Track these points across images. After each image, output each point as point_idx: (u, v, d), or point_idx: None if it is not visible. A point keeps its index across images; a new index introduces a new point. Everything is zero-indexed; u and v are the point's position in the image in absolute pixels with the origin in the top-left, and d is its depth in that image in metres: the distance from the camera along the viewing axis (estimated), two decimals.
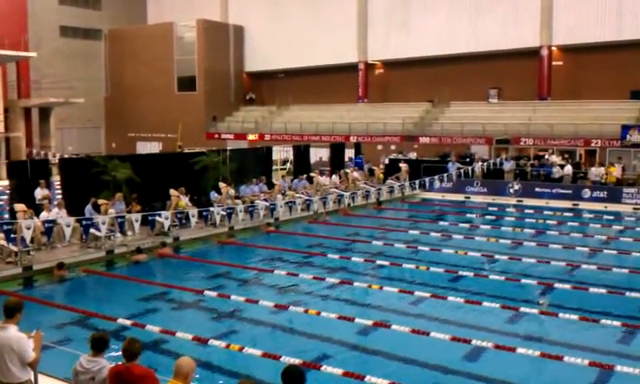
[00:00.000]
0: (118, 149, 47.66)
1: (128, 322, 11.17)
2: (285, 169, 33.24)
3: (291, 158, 31.71)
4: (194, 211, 19.26)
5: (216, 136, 46.86)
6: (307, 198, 23.81)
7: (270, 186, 24.85)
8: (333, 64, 44.93)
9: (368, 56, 45.20)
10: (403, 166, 31.44)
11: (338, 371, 8.98)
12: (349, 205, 25.02)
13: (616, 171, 28.21)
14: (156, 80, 49.41)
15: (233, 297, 12.94)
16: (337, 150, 32.89)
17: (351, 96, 45.13)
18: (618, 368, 9.26)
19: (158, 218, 18.40)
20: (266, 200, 22.74)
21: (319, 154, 36.86)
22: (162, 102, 48.73)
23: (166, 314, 12.38)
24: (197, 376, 5.92)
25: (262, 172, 25.45)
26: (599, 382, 9.09)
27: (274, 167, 30.88)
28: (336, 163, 31.69)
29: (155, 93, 49.18)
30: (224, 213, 20.18)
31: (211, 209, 20.07)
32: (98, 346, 6.07)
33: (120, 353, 6.00)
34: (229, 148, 28.69)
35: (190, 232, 19.26)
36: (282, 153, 35.04)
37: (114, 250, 16.94)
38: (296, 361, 9.07)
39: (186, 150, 34.10)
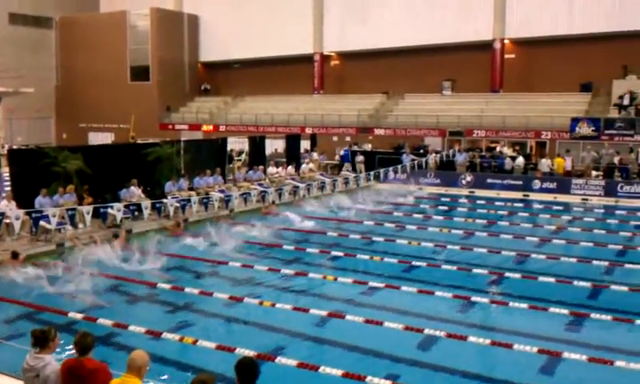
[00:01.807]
0: (69, 140, 46.73)
1: (79, 316, 10.99)
2: (240, 160, 33.06)
3: (246, 149, 31.57)
4: (147, 203, 19.05)
5: (170, 127, 46.35)
6: (263, 189, 23.78)
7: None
8: (289, 55, 44.83)
9: (324, 47, 45.22)
10: (360, 158, 31.85)
11: (293, 362, 9.02)
12: (304, 196, 25.06)
13: (566, 163, 28.93)
14: (108, 69, 48.53)
15: (187, 289, 12.86)
16: (292, 141, 32.88)
17: (307, 87, 45.13)
18: (566, 355, 9.53)
19: (110, 210, 18.14)
20: (222, 191, 22.61)
21: (275, 146, 36.80)
22: (115, 91, 47.91)
23: (119, 307, 12.22)
24: (150, 369, 5.89)
25: (217, 163, 25.27)
26: (547, 368, 9.32)
27: (238, 158, 30.79)
28: (292, 155, 31.69)
29: (108, 82, 48.30)
30: (177, 204, 20.01)
31: (164, 200, 19.87)
32: (40, 342, 5.96)
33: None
34: (183, 139, 28.42)
35: (144, 224, 19.04)
36: (237, 144, 34.84)
37: (64, 243, 16.62)
38: (251, 353, 9.07)
39: (139, 141, 33.65)
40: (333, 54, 45.81)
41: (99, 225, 18.13)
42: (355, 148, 36.09)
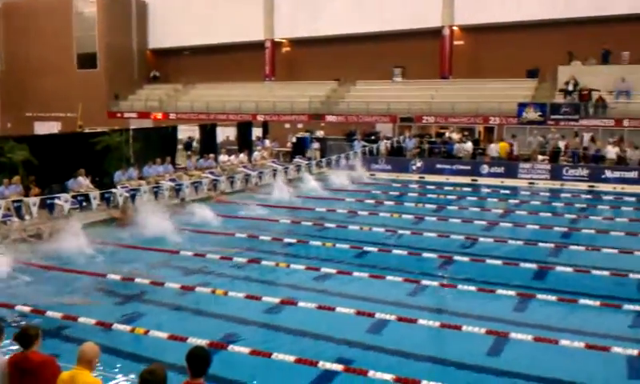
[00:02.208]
0: (14, 129, 45.44)
1: (27, 309, 10.79)
2: (191, 148, 32.79)
3: (197, 137, 31.29)
4: (95, 193, 18.74)
5: (118, 115, 45.56)
6: (214, 178, 23.64)
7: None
8: (239, 42, 44.41)
9: (275, 34, 45.00)
10: (315, 145, 32.03)
11: (245, 350, 9.05)
12: (256, 184, 25.02)
13: (511, 147, 29.63)
14: (54, 57, 47.35)
15: (137, 280, 12.74)
16: (244, 128, 32.72)
17: (258, 74, 44.87)
18: (513, 335, 9.78)
19: (57, 201, 17.78)
20: (172, 180, 22.39)
21: (226, 133, 36.58)
22: (61, 79, 46.78)
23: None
24: (101, 361, 5.85)
25: (167, 152, 24.96)
26: (495, 348, 9.56)
27: (180, 146, 30.41)
28: (244, 142, 31.54)
29: (54, 70, 47.12)
30: (127, 194, 19.74)
31: (113, 190, 19.58)
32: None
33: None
34: (132, 127, 27.97)
35: (92, 215, 18.72)
36: (187, 132, 34.52)
37: (9, 236, 16.23)
38: (203, 341, 9.07)
39: (87, 130, 32.99)
40: (284, 40, 45.64)
41: (47, 216, 17.76)
42: (308, 135, 36.20)
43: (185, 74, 47.53)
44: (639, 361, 8.93)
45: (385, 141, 31.43)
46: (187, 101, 44.17)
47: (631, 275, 13.25)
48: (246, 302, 11.45)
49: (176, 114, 42.62)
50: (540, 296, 11.79)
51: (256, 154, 30.18)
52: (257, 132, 35.58)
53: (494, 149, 29.91)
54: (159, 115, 43.39)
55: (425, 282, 12.81)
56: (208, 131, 29.74)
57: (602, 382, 8.43)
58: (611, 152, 28.02)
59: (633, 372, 8.74)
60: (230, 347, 9.25)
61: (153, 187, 20.87)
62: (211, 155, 27.01)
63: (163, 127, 29.95)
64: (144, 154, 23.70)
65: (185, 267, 14.11)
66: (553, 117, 30.78)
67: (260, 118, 38.09)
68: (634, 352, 9.10)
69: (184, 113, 42.30)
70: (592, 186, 26.54)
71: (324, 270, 13.60)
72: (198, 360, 5.08)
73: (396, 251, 15.44)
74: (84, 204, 18.89)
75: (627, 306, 11.24)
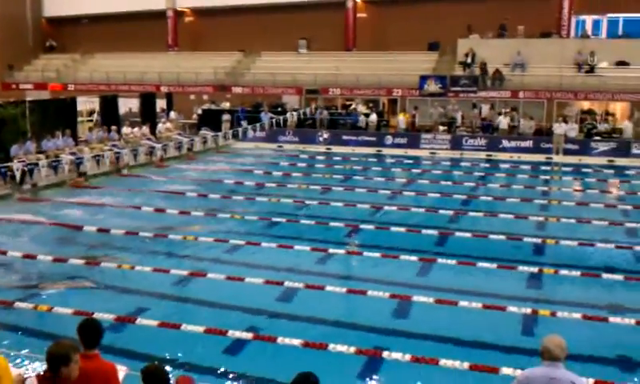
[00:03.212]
0: None
1: None
2: (91, 120, 31.67)
3: (98, 109, 30.26)
4: None
5: (13, 86, 43.21)
6: (117, 150, 23.01)
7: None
8: (140, 10, 42.99)
9: (176, 3, 43.88)
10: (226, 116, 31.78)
11: (154, 323, 9.01)
12: (161, 157, 24.59)
13: (409, 118, 30.55)
14: None
15: (40, 256, 12.32)
16: (147, 100, 31.89)
17: (161, 44, 43.66)
18: (415, 298, 10.21)
19: None
20: (73, 154, 21.62)
21: (129, 105, 35.56)
22: None
23: None
24: (5, 341, 5.71)
25: (67, 124, 24.00)
26: (399, 311, 9.96)
27: (80, 119, 29.32)
28: (147, 114, 30.76)
29: None
30: (25, 169, 18.93)
31: (10, 165, 18.73)
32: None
33: None
34: (28, 99, 26.68)
35: None
36: (87, 104, 33.29)
37: None
38: (110, 316, 8.97)
39: None
40: (186, 10, 44.60)
41: None
42: (213, 107, 35.76)
43: (83, 43, 45.54)
44: (533, 319, 9.53)
45: (292, 112, 31.50)
46: (86, 71, 42.48)
47: (526, 239, 14.04)
48: (153, 275, 11.34)
49: (74, 84, 40.89)
50: (441, 260, 12.32)
51: (160, 126, 29.55)
52: (161, 104, 34.78)
53: (402, 121, 30.68)
54: (57, 86, 41.54)
55: (332, 250, 13.08)
56: (109, 103, 28.79)
57: (498, 340, 8.92)
58: (503, 122, 29.34)
59: (527, 329, 9.31)
60: (139, 320, 9.18)
61: (52, 161, 20.09)
62: (113, 127, 26.18)
63: (61, 98, 28.68)
64: (42, 127, 22.70)
65: (89, 243, 13.75)
66: (453, 89, 31.75)
67: (164, 90, 37.16)
68: (528, 311, 9.71)
69: (83, 84, 40.65)
70: (490, 155, 27.73)
71: (232, 241, 13.63)
72: (89, 331, 5.01)
73: (304, 221, 15.66)
74: None
75: (522, 268, 11.91)
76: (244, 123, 29.50)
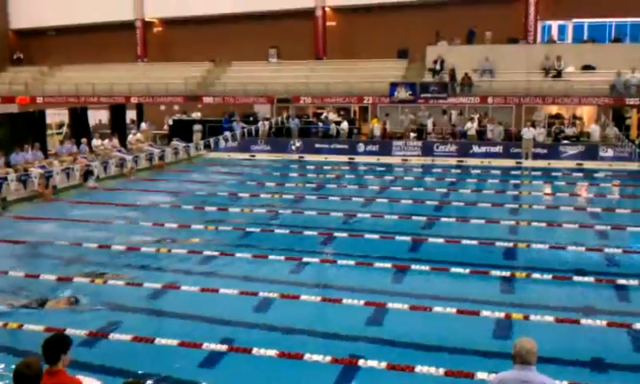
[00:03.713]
0: None
1: None
2: (61, 133, 31.31)
3: (67, 121, 29.92)
4: None
5: None
6: (87, 163, 22.75)
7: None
8: (108, 21, 42.67)
9: (145, 13, 43.66)
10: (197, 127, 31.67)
11: (127, 337, 8.92)
12: (132, 168, 24.38)
13: (381, 125, 30.74)
14: None
15: (11, 273, 12.09)
16: (117, 111, 31.61)
17: (130, 55, 43.39)
18: (389, 305, 10.25)
19: None
20: (42, 167, 21.32)
21: (98, 117, 35.26)
22: None
23: None
24: None
25: (36, 138, 23.67)
26: (374, 318, 9.97)
27: (49, 131, 28.97)
28: (117, 125, 30.48)
29: None
30: None
31: None
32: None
33: None
34: None
35: None
36: (56, 116, 32.90)
37: None
38: (82, 332, 8.87)
39: None
40: (155, 20, 44.38)
41: None
42: (184, 117, 35.61)
43: (51, 55, 45.02)
44: (506, 323, 9.62)
45: (264, 122, 31.48)
46: (55, 84, 41.96)
47: (498, 243, 14.20)
48: (126, 288, 11.23)
49: (43, 97, 40.36)
50: (414, 266, 12.40)
51: (131, 138, 29.28)
52: (131, 115, 34.52)
53: (377, 128, 30.86)
54: (25, 99, 40.95)
55: (306, 258, 13.07)
56: (78, 115, 28.47)
57: (473, 344, 8.98)
58: (472, 128, 29.66)
59: (501, 332, 9.39)
60: (111, 336, 9.08)
61: (21, 175, 19.78)
62: (84, 140, 25.88)
63: (30, 112, 28.31)
64: (11, 141, 22.37)
65: (60, 256, 13.57)
66: (422, 95, 31.96)
67: (134, 101, 36.90)
68: (502, 315, 9.81)
69: (52, 96, 40.11)
70: (461, 161, 28.00)
71: (207, 252, 13.56)
72: (48, 346, 5.00)
73: (278, 231, 15.65)
74: None
75: (494, 272, 12.04)
76: (229, 133, 29.33)
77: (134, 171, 24.40)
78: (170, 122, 35.08)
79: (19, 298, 10.96)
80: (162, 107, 38.65)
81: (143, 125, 33.65)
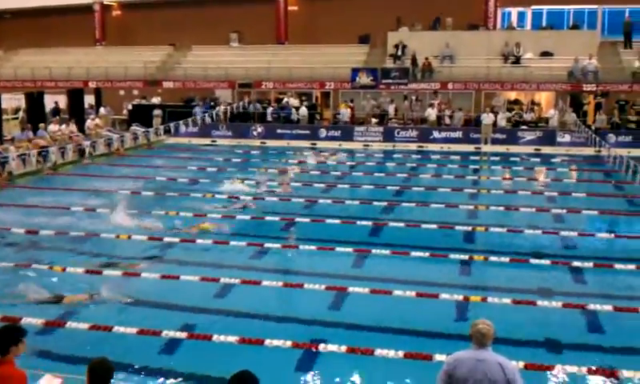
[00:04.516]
0: None
1: None
2: (17, 118, 30.62)
3: (23, 106, 29.26)
4: None
5: None
6: (44, 149, 22.31)
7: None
8: (65, 4, 41.75)
9: None
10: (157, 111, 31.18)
11: (84, 326, 8.82)
12: (90, 153, 24.00)
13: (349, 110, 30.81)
14: None
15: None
16: (75, 96, 31.02)
17: (88, 39, 42.53)
18: (351, 289, 10.32)
19: None
20: None
21: (56, 101, 34.56)
22: None
23: None
24: None
25: None
26: (335, 303, 10.02)
27: (5, 117, 28.31)
28: (75, 110, 29.93)
29: None
30: None
31: None
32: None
33: None
34: None
35: None
36: (12, 101, 32.16)
37: None
38: (39, 320, 8.74)
39: None
40: (114, 3, 43.57)
41: None
42: (144, 102, 35.13)
43: (6, 39, 43.86)
44: (465, 305, 9.78)
45: (224, 106, 31.24)
46: (10, 68, 40.91)
47: (457, 227, 14.40)
48: (85, 276, 11.07)
49: None
50: (375, 251, 12.50)
51: (89, 123, 28.76)
52: (89, 99, 33.91)
53: (345, 113, 30.86)
54: None
55: (268, 244, 13.06)
56: (35, 100, 27.87)
57: (432, 327, 9.10)
58: (432, 114, 29.92)
59: (460, 314, 9.54)
60: (68, 324, 8.96)
61: None
62: (41, 125, 25.32)
63: None
64: None
65: (18, 244, 13.29)
66: (384, 81, 32.08)
67: (92, 85, 36.23)
68: (460, 297, 9.96)
69: (7, 80, 39.15)
70: (421, 146, 28.23)
71: (167, 239, 13.44)
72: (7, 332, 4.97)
73: (239, 216, 15.59)
74: None
75: (453, 256, 12.22)
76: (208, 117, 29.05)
77: (91, 156, 23.99)
78: (130, 107, 34.57)
79: None
80: (121, 92, 38.08)
81: (102, 110, 33.11)
